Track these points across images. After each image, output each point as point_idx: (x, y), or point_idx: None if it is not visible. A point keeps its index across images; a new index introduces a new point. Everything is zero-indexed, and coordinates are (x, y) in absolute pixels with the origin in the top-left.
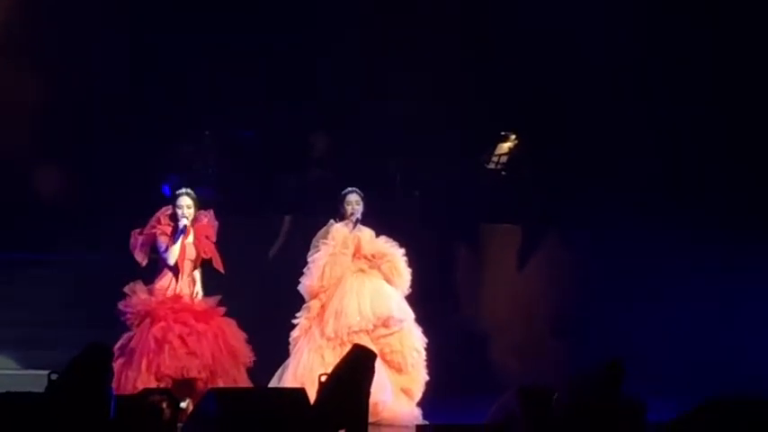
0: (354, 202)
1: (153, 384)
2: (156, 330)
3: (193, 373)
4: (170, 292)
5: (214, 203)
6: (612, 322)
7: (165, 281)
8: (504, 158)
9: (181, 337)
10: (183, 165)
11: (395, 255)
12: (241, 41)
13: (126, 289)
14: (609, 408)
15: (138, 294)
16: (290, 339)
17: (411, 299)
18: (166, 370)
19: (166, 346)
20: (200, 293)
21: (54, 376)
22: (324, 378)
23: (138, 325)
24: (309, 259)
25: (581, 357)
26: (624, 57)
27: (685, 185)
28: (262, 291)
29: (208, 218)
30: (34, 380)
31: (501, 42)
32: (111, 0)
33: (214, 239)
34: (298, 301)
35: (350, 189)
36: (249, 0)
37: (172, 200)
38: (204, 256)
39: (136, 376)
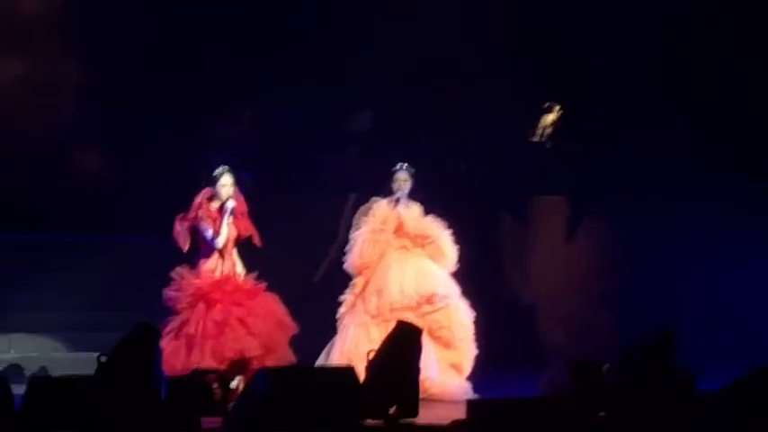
0: (402, 179)
1: (216, 367)
2: (216, 314)
3: (253, 352)
4: (217, 274)
5: (254, 182)
6: (661, 292)
7: (212, 263)
8: (548, 130)
9: (239, 319)
10: (223, 144)
11: (439, 236)
12: (283, 19)
13: (173, 274)
14: (659, 378)
15: (186, 278)
16: (337, 316)
17: (458, 272)
18: (228, 352)
19: (227, 329)
20: (243, 273)
21: (103, 358)
22: (371, 355)
23: (191, 309)
24: (351, 237)
25: (630, 329)
26: (667, 24)
27: (734, 152)
28: (308, 269)
29: (238, 196)
30: (85, 362)
31: (543, 14)
32: None
33: (247, 215)
34: (342, 279)
35: (399, 165)
36: None
37: (212, 181)
38: (245, 234)
39: (200, 360)
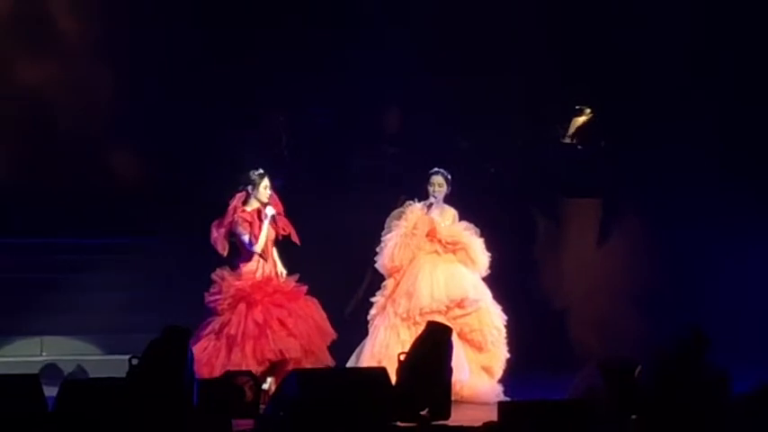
0: (437, 183)
1: (255, 368)
2: (257, 315)
3: (293, 354)
4: (258, 276)
5: (287, 185)
6: (694, 294)
7: (252, 264)
8: (579, 132)
9: (280, 320)
10: (260, 146)
11: (470, 243)
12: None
13: (214, 276)
14: (693, 378)
15: (227, 280)
16: (369, 317)
17: (490, 276)
18: (268, 353)
19: (268, 331)
20: (284, 272)
21: (135, 361)
22: (402, 357)
23: (232, 310)
24: (382, 239)
25: (663, 332)
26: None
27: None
28: (336, 270)
29: (273, 198)
30: (117, 364)
31: (573, 15)
32: None
33: (283, 214)
34: (374, 281)
35: (435, 170)
36: None
37: (248, 183)
38: (283, 233)
39: (240, 361)
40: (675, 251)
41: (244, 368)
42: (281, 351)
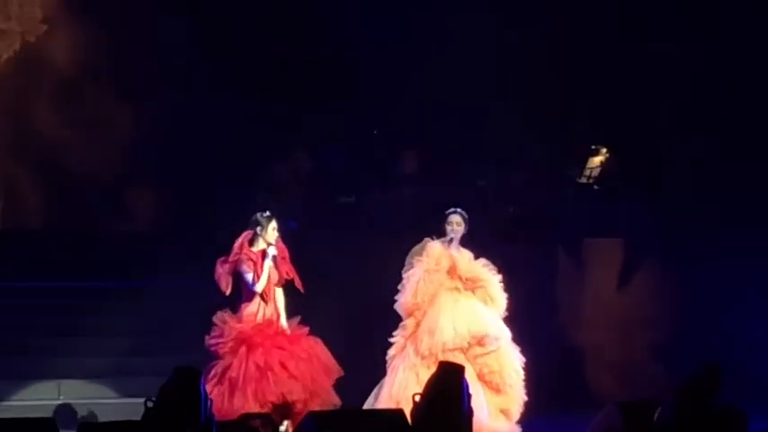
0: (455, 222)
1: (257, 411)
2: (258, 357)
3: (295, 396)
4: (259, 318)
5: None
6: (714, 339)
7: (254, 306)
8: (595, 172)
9: (281, 363)
10: (270, 186)
11: (489, 281)
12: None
13: (215, 319)
14: (707, 414)
15: (229, 323)
16: (387, 358)
17: (508, 316)
18: (270, 396)
19: (269, 373)
20: (284, 317)
21: (150, 403)
22: (417, 398)
23: (233, 353)
24: (404, 276)
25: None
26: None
27: None
28: (357, 310)
29: (278, 242)
30: (134, 407)
31: (589, 57)
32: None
33: (288, 259)
34: (393, 320)
35: (453, 209)
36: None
37: (259, 223)
38: (287, 278)
39: (242, 405)
40: (696, 295)
41: (245, 412)
42: (282, 394)
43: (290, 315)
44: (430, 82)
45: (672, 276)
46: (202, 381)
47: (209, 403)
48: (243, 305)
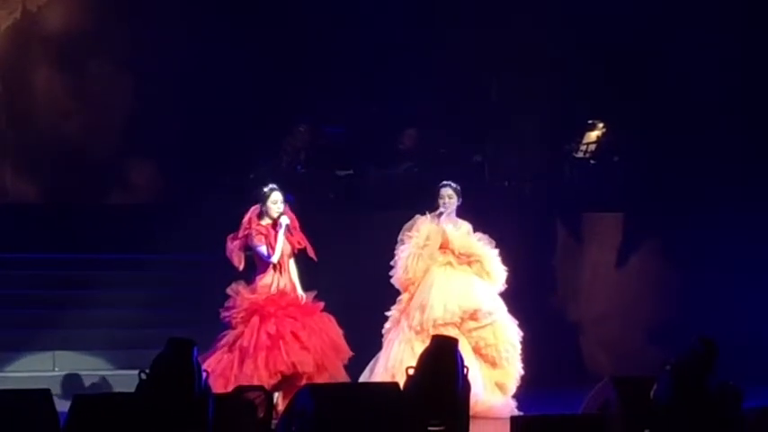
0: (447, 195)
1: (267, 380)
2: (269, 327)
3: (306, 368)
4: (273, 289)
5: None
6: (711, 320)
7: (268, 278)
8: (591, 147)
9: (293, 333)
10: (273, 161)
11: (485, 255)
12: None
13: (229, 290)
14: (705, 394)
15: (242, 294)
16: (383, 332)
17: (506, 290)
18: (281, 366)
19: (281, 342)
20: (303, 296)
21: (144, 375)
22: (411, 371)
23: (245, 323)
24: (397, 252)
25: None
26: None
27: None
28: (354, 285)
29: (287, 211)
30: (129, 379)
31: (585, 32)
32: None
33: (299, 228)
34: (387, 295)
35: (444, 183)
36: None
37: (261, 198)
38: (299, 247)
39: (252, 373)
40: (694, 272)
41: (255, 380)
42: (293, 364)
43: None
44: (427, 59)
45: (670, 255)
46: (195, 352)
47: (204, 375)
48: (257, 277)
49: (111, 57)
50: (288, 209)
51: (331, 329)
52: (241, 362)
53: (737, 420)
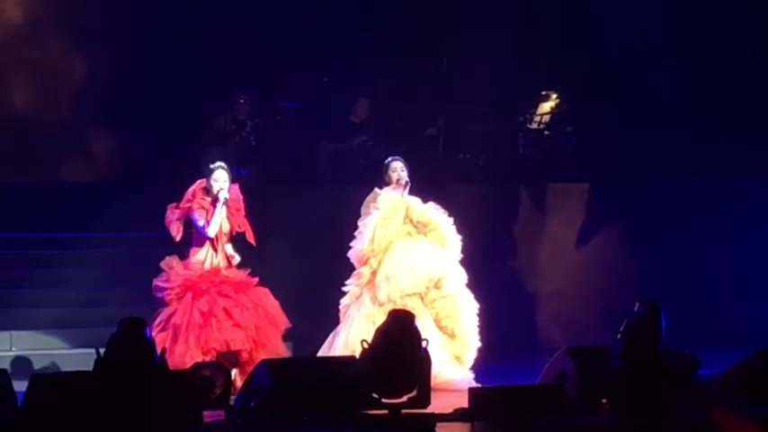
0: (399, 168)
1: (200, 358)
2: (202, 304)
3: (239, 345)
4: (207, 266)
5: (247, 177)
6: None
7: (202, 254)
8: (545, 117)
9: (225, 310)
10: (220, 137)
11: (440, 223)
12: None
13: (162, 264)
14: (661, 362)
15: (175, 269)
16: (340, 307)
17: (463, 261)
18: (213, 343)
19: (212, 320)
20: (237, 258)
21: (101, 354)
22: (365, 345)
23: (179, 300)
24: (360, 224)
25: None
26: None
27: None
28: (305, 260)
29: (235, 192)
30: (86, 358)
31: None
32: None
33: (243, 212)
34: (342, 269)
35: (393, 157)
36: None
37: (207, 173)
38: (238, 230)
39: (184, 351)
40: (655, 245)
41: (188, 358)
42: (225, 341)
43: (240, 266)
44: (382, 29)
45: (632, 238)
46: (148, 330)
47: (159, 351)
48: (192, 250)
49: (63, 33)
50: (237, 190)
51: (267, 303)
52: (174, 340)
53: (693, 387)
